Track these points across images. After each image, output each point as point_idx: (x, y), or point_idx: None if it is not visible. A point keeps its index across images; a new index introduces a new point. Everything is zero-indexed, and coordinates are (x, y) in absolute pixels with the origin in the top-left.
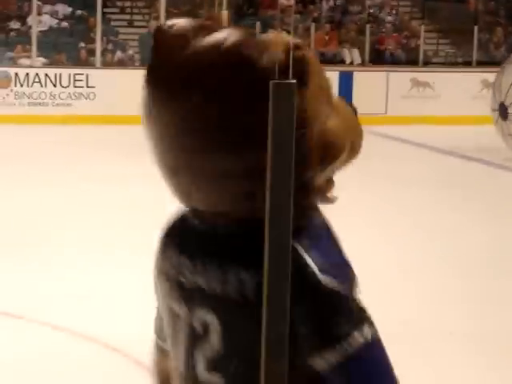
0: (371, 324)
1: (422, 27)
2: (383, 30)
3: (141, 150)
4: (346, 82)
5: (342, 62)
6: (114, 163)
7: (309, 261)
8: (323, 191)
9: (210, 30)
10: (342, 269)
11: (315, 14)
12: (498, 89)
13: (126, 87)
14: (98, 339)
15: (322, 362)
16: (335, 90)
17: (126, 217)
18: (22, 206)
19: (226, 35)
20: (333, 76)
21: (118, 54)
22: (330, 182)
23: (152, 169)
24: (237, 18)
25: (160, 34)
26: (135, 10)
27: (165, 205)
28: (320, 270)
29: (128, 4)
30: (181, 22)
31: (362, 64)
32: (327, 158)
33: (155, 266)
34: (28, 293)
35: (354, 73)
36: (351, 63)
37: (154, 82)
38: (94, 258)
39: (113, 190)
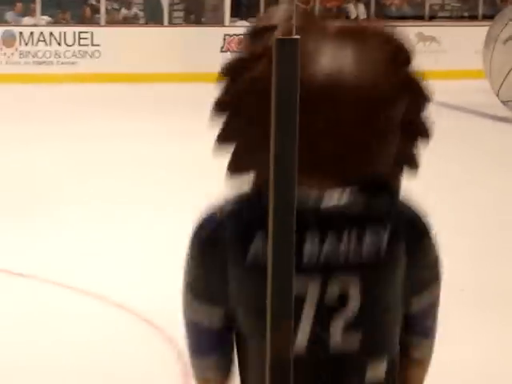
0: None
1: None
2: None
3: (146, 107)
4: None
5: (348, 17)
6: (119, 120)
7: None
8: None
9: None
10: None
11: None
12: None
13: (130, 45)
14: (101, 295)
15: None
16: None
17: (128, 173)
18: (26, 165)
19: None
20: None
21: (123, 11)
22: None
23: (155, 126)
24: None
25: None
26: None
27: (168, 161)
28: None
29: None
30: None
31: (368, 19)
32: None
33: (240, 263)
34: (31, 251)
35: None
36: (356, 18)
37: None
38: (96, 215)
39: (117, 147)
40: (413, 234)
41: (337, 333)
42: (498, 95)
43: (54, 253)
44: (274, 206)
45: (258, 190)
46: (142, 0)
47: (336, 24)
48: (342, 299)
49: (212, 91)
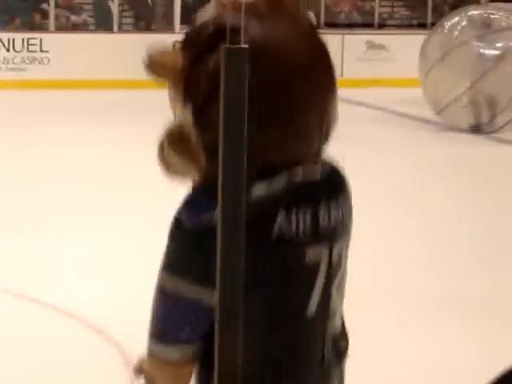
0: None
1: None
2: None
3: (94, 114)
4: None
5: None
6: (67, 127)
7: None
8: None
9: None
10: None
11: None
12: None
13: (79, 52)
14: (51, 304)
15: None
16: None
17: (75, 181)
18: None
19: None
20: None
21: (73, 18)
22: None
23: (103, 132)
24: None
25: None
26: None
27: (115, 169)
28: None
29: None
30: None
31: (317, 27)
32: None
33: (264, 238)
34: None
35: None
36: None
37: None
38: (45, 225)
39: (65, 154)
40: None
41: (333, 294)
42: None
43: (6, 262)
44: (223, 218)
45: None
46: (91, 7)
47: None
48: (339, 264)
49: (161, 98)
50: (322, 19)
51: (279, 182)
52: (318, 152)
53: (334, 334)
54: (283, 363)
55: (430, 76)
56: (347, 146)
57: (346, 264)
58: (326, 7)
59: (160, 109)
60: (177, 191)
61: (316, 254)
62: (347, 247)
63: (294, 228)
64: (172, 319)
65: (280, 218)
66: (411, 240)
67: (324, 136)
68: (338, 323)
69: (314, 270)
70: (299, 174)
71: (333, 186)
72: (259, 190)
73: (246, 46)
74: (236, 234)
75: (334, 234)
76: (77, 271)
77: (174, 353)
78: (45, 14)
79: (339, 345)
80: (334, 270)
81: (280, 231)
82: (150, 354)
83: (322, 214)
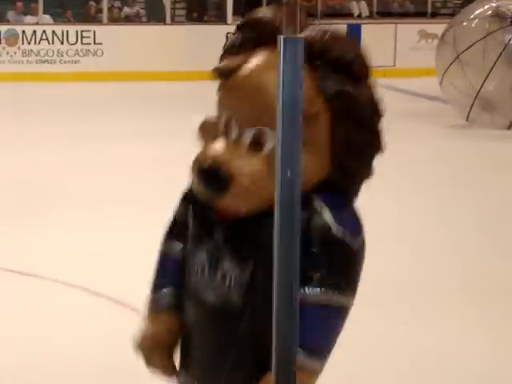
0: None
1: None
2: None
3: (148, 106)
4: (355, 34)
5: (350, 14)
6: (122, 119)
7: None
8: None
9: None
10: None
11: None
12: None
13: (132, 43)
14: (106, 295)
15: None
16: None
17: (132, 173)
18: (29, 164)
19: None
20: (341, 29)
21: (125, 9)
22: None
23: (158, 124)
24: None
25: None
26: None
27: (174, 160)
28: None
29: None
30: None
31: (370, 16)
32: None
33: None
34: (35, 250)
35: (362, 25)
36: (359, 16)
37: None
38: (102, 214)
39: (120, 146)
40: None
41: None
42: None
43: (56, 252)
44: (279, 204)
45: None
46: None
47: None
48: None
49: (215, 89)
50: (375, 8)
51: None
52: None
53: None
54: None
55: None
56: (400, 137)
57: None
58: None
59: (211, 100)
60: None
61: None
62: None
63: None
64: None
65: None
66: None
67: None
68: None
69: None
70: None
71: None
72: None
73: (303, 36)
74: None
75: None
76: (130, 262)
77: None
78: (98, 6)
79: None
80: None
81: None
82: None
83: None
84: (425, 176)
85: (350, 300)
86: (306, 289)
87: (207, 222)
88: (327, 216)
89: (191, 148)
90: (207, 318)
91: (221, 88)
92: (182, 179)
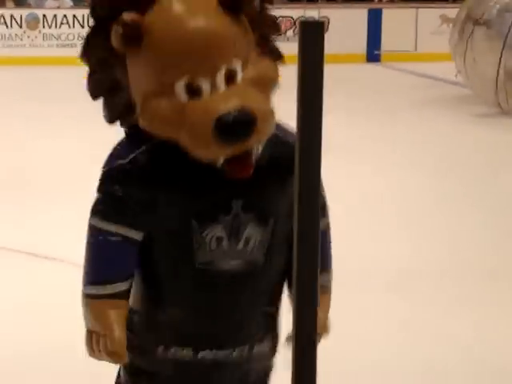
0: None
1: None
2: None
3: None
4: (375, 19)
5: None
6: None
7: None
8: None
9: None
10: None
11: None
12: None
13: None
14: None
15: None
16: (365, 27)
17: None
18: (53, 146)
19: None
20: (361, 13)
21: None
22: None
23: None
24: None
25: None
26: None
27: None
28: None
29: None
30: None
31: (391, 1)
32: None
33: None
34: (57, 235)
35: (383, 10)
36: (380, 0)
37: None
38: None
39: None
40: None
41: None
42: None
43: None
44: (299, 188)
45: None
46: None
47: None
48: None
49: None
50: None
51: None
52: None
53: None
54: None
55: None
56: (423, 123)
57: None
58: None
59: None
60: None
61: None
62: None
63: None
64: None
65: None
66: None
67: None
68: None
69: None
70: None
71: None
72: None
73: (323, 20)
74: (312, 201)
75: None
76: None
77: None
78: None
79: None
80: None
81: None
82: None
83: None
84: (449, 163)
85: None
86: None
87: (215, 197)
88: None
89: None
90: (225, 287)
91: (149, 54)
92: None
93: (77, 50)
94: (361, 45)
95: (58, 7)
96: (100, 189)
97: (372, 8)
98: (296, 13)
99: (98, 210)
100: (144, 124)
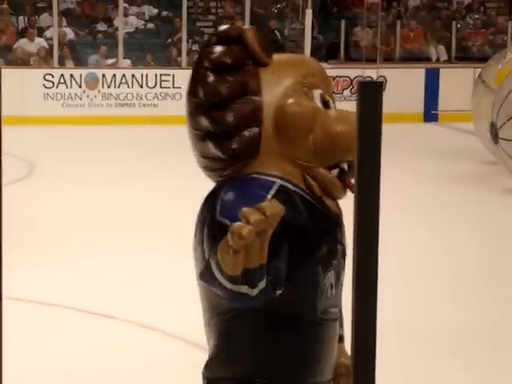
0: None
1: (510, 23)
2: (470, 26)
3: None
4: (433, 78)
5: (428, 59)
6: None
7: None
8: (321, 182)
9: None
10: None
11: (401, 11)
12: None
13: None
14: (187, 338)
15: None
16: (422, 87)
17: None
18: (116, 206)
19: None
20: (419, 73)
21: None
22: (330, 179)
23: None
24: (322, 17)
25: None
26: (220, 11)
27: None
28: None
29: (213, 4)
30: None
31: (449, 61)
32: (282, 131)
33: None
34: (116, 293)
35: (441, 69)
36: (437, 60)
37: None
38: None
39: (197, 185)
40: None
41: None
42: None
43: (136, 293)
44: (357, 248)
45: None
46: None
47: None
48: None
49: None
50: (454, 53)
51: None
52: None
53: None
54: None
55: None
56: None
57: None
58: (458, 41)
59: None
60: None
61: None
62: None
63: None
64: None
65: None
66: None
67: None
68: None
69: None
70: None
71: None
72: None
73: (381, 80)
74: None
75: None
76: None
77: None
78: (175, 52)
79: None
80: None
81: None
82: None
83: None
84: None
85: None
86: None
87: (331, 242)
88: None
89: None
90: (330, 334)
91: (285, 72)
92: None
93: (135, 110)
94: (418, 104)
95: (117, 67)
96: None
97: (429, 68)
98: (354, 72)
99: None
100: (292, 115)
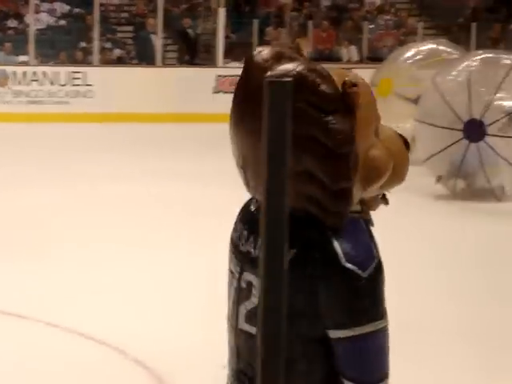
0: (384, 317)
1: (420, 24)
2: (381, 27)
3: (138, 147)
4: None
5: (340, 59)
6: (111, 160)
7: (338, 250)
8: (369, 205)
9: (288, 59)
10: (368, 260)
11: (312, 11)
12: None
13: (123, 85)
14: (95, 337)
15: (336, 333)
16: None
17: (120, 215)
18: (19, 206)
19: (295, 65)
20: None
21: (116, 51)
22: (377, 199)
23: (147, 165)
24: (235, 16)
25: (249, 60)
26: (132, 8)
27: (157, 202)
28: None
29: (126, 2)
30: (266, 50)
31: (360, 61)
32: (368, 180)
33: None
34: (29, 291)
35: (352, 70)
36: (349, 61)
37: (240, 98)
38: (92, 255)
39: (109, 187)
40: (313, 263)
41: (242, 315)
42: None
43: (50, 293)
44: (265, 251)
45: None
46: (133, 41)
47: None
48: (248, 292)
49: (205, 131)
50: (365, 54)
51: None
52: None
53: (240, 353)
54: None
55: None
56: None
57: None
58: (369, 42)
59: (204, 142)
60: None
61: (233, 266)
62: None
63: (235, 234)
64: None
65: (235, 220)
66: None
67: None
68: (246, 350)
69: (230, 278)
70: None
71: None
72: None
73: (290, 79)
74: (279, 241)
75: (245, 262)
76: (120, 301)
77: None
78: (87, 49)
79: (244, 370)
80: (242, 293)
81: (232, 234)
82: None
83: (243, 238)
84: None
85: (377, 323)
86: (331, 332)
87: None
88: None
89: (177, 188)
90: None
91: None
92: (167, 219)
93: (46, 107)
94: None
95: (27, 64)
96: (372, 293)
97: (341, 69)
98: None
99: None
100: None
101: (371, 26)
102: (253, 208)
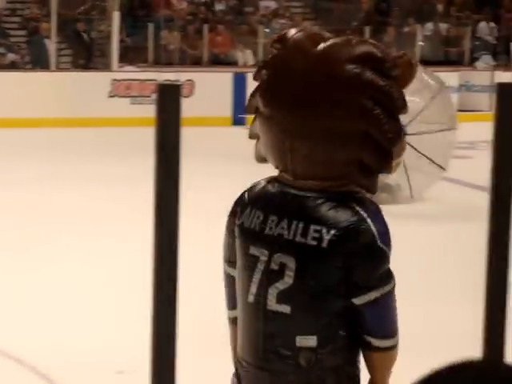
0: (394, 277)
1: (316, 28)
2: (276, 31)
3: (32, 152)
4: (240, 83)
5: (235, 63)
6: (3, 166)
7: (374, 231)
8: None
9: (324, 38)
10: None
11: (208, 15)
12: None
13: (16, 90)
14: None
15: (362, 299)
16: (229, 91)
17: (18, 221)
18: None
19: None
20: (226, 77)
21: (10, 56)
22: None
23: (43, 171)
24: (129, 20)
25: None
26: (26, 12)
27: (63, 207)
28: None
29: (19, 6)
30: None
31: (256, 65)
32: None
33: (232, 223)
34: None
35: (248, 74)
36: (244, 65)
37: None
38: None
39: (4, 193)
40: (352, 243)
41: (272, 297)
42: None
43: None
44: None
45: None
46: (27, 45)
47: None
48: (280, 274)
49: (99, 135)
50: (260, 57)
51: (260, 184)
52: (294, 169)
53: (271, 334)
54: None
55: None
56: None
57: (300, 284)
58: (265, 46)
59: (99, 146)
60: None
61: (256, 250)
62: (305, 270)
63: (249, 222)
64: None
65: (246, 211)
66: None
67: (296, 154)
68: (281, 329)
69: (253, 263)
70: (273, 182)
71: (298, 209)
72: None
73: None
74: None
75: (276, 244)
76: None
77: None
78: None
79: (277, 349)
80: (272, 275)
81: (238, 217)
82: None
83: (270, 223)
84: None
85: (392, 284)
86: (360, 298)
87: None
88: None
89: (71, 194)
90: None
91: None
92: (54, 223)
93: None
94: (226, 108)
95: None
96: (388, 260)
97: (237, 72)
98: (163, 76)
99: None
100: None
101: (267, 30)
102: (272, 191)
